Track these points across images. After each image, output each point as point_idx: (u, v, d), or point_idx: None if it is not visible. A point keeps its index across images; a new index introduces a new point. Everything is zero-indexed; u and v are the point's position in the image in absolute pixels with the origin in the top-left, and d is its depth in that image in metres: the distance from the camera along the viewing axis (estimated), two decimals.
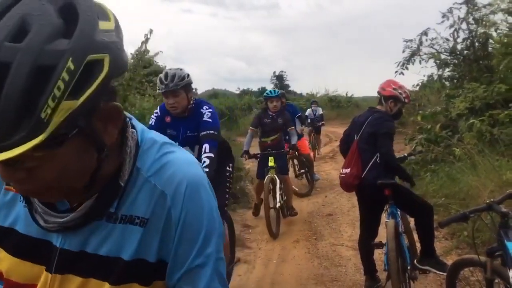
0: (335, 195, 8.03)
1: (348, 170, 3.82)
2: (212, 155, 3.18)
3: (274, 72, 41.36)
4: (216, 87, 40.55)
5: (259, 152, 6.52)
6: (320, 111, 13.59)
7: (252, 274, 4.60)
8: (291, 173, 8.38)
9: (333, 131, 19.13)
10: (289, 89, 53.18)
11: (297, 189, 8.13)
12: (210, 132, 3.31)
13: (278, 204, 5.98)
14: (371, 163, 3.74)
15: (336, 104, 30.95)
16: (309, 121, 12.71)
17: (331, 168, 11.08)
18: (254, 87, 45.26)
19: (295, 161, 8.79)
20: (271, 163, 6.19)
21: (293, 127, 6.58)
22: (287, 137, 6.84)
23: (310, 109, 13.52)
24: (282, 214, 6.41)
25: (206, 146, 3.23)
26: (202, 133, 3.32)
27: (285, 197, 6.44)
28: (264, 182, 6.07)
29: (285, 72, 50.79)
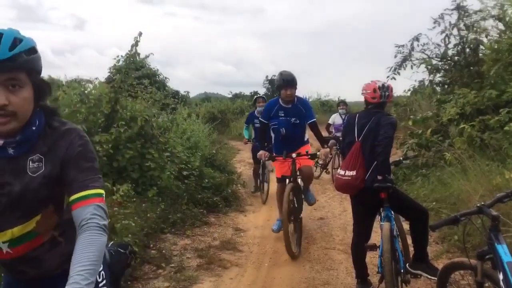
0: (327, 199, 8.04)
1: (353, 173, 3.71)
2: None
3: (267, 76, 41.22)
4: (207, 91, 40.43)
5: None
6: None
7: (243, 278, 4.58)
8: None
9: (326, 135, 19.12)
10: None
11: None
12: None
13: None
14: (373, 166, 3.70)
15: (328, 109, 30.98)
16: (333, 132, 8.90)
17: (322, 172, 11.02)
18: (246, 91, 45.16)
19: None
20: None
21: None
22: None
23: (337, 113, 9.29)
24: None
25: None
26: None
27: None
28: None
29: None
